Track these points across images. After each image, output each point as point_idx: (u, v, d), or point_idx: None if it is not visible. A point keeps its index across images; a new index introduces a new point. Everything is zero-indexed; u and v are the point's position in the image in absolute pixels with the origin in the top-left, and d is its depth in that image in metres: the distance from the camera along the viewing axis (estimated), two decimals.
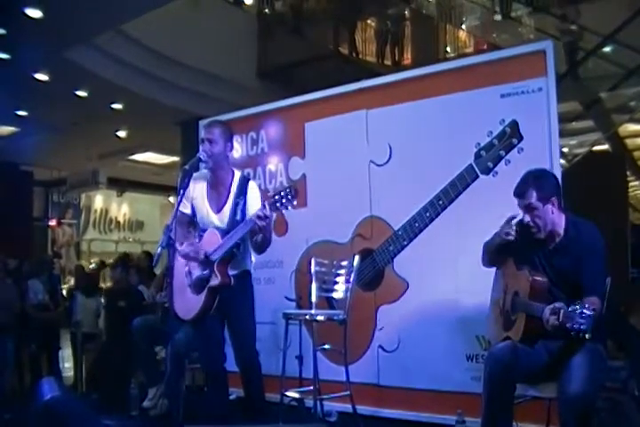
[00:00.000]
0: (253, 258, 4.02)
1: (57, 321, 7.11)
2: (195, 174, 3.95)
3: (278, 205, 3.50)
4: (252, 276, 4.04)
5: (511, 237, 3.22)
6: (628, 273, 6.62)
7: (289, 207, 3.53)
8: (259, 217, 3.52)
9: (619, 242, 6.36)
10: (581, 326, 2.60)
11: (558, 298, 2.93)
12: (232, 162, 5.49)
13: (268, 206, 3.51)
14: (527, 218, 3.17)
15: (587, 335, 2.62)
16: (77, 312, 7.26)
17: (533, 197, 3.14)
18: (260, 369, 3.98)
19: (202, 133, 3.94)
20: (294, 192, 3.51)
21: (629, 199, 8.68)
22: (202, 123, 5.95)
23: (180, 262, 3.94)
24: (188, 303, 3.86)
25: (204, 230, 3.94)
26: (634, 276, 6.74)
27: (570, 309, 2.65)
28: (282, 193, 3.51)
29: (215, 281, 3.73)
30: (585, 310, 2.61)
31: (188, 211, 3.97)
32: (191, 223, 4.04)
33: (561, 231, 3.18)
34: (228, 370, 3.98)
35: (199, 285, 3.82)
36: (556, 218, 3.17)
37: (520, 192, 3.19)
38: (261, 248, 3.84)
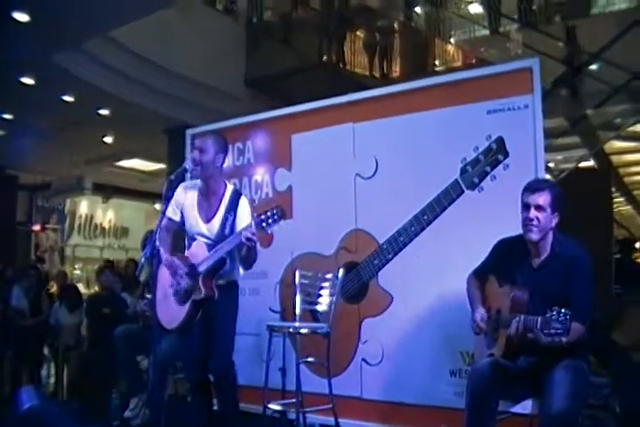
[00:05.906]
0: (242, 270, 3.99)
1: (35, 329, 6.99)
2: (186, 183, 3.97)
3: (264, 225, 3.49)
4: (239, 287, 4.01)
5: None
6: (611, 289, 6.65)
7: (275, 227, 3.52)
8: (248, 239, 3.50)
9: (603, 258, 6.39)
10: (558, 331, 2.67)
11: (539, 311, 2.91)
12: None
13: (253, 225, 3.51)
14: (532, 214, 3.11)
15: (563, 339, 2.69)
16: (59, 325, 7.15)
17: (547, 200, 3.12)
18: (235, 380, 3.93)
19: (195, 142, 3.93)
20: (280, 213, 3.50)
21: (614, 215, 8.74)
22: (189, 131, 5.96)
23: (164, 270, 3.91)
24: (171, 313, 3.84)
25: (193, 239, 3.92)
26: (617, 292, 6.76)
27: (547, 315, 2.72)
28: (268, 213, 3.50)
29: (199, 295, 3.71)
30: (560, 316, 2.67)
31: (176, 218, 3.96)
32: (177, 230, 4.02)
33: (548, 248, 3.20)
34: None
35: (183, 296, 3.79)
36: (550, 233, 3.17)
37: (536, 188, 3.16)
38: (247, 263, 3.83)
